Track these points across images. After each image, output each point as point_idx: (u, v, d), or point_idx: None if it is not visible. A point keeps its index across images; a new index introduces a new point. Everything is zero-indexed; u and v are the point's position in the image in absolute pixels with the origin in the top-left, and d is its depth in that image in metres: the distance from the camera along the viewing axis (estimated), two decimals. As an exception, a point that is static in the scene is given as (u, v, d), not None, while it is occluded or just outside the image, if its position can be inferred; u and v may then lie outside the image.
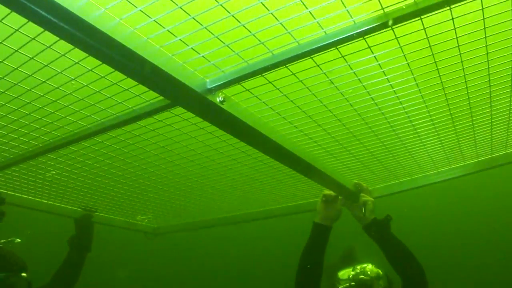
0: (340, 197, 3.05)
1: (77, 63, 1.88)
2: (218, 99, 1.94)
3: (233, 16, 1.64)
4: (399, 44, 1.85)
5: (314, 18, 1.66)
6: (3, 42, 1.80)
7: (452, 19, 1.73)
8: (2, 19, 1.65)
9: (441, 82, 2.16)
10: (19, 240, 3.10)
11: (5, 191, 3.37)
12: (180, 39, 1.72)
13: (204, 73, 1.89)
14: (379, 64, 1.95)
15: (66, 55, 1.82)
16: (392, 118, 2.42)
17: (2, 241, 3.23)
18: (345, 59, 1.89)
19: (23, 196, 3.47)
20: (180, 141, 2.60)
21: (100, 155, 2.76)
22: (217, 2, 1.58)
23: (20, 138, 2.54)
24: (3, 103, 2.22)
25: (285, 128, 2.36)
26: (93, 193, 3.46)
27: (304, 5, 1.62)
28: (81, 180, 3.18)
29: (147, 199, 3.70)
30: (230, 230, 4.58)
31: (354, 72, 1.99)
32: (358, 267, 3.21)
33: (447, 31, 1.81)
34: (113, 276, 6.35)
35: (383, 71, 2.01)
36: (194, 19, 1.64)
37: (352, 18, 1.65)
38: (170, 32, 1.68)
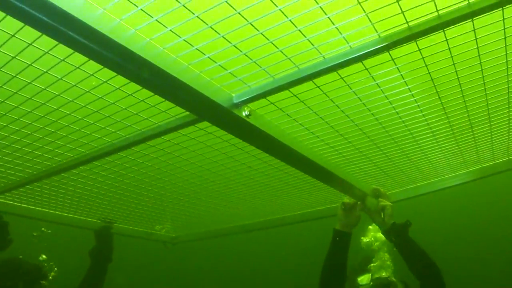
0: (358, 203, 3.08)
1: (105, 82, 1.92)
2: (244, 113, 1.98)
3: (262, 34, 1.68)
4: (421, 55, 1.89)
5: (340, 33, 1.69)
6: (32, 64, 1.84)
7: (474, 30, 1.77)
8: (33, 41, 1.69)
9: (461, 90, 2.20)
10: (49, 231, 3.17)
11: (26, 205, 3.42)
12: (208, 57, 1.75)
13: (231, 88, 1.93)
14: (401, 74, 1.99)
15: (94, 74, 1.87)
16: (412, 125, 2.45)
17: (34, 234, 3.30)
18: (368, 72, 1.92)
19: (44, 210, 3.51)
20: (203, 153, 2.64)
21: (123, 169, 2.80)
22: (247, 20, 1.61)
23: (44, 155, 2.59)
24: (30, 122, 2.26)
25: (307, 138, 2.41)
26: (114, 205, 3.50)
27: (332, 21, 1.65)
28: (102, 194, 3.22)
29: (166, 209, 3.74)
30: (249, 237, 4.60)
31: (377, 84, 2.03)
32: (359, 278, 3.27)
33: (468, 41, 1.85)
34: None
35: (404, 81, 2.05)
36: (224, 38, 1.68)
37: (377, 32, 1.69)
38: (199, 50, 1.72)
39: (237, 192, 3.39)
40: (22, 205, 3.41)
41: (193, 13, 1.56)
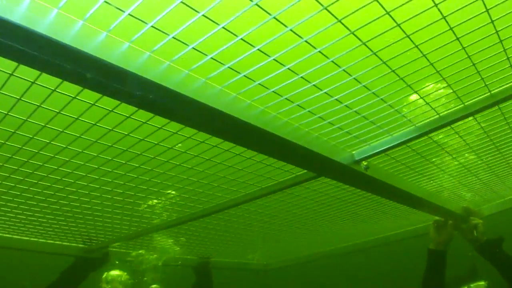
0: (450, 221, 3.20)
1: (238, 154, 2.15)
2: (363, 167, 2.18)
3: (390, 105, 1.88)
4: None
5: (457, 95, 1.88)
6: (171, 149, 2.07)
7: None
8: (147, 118, 1.91)
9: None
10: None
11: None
12: (339, 127, 1.96)
13: (351, 147, 2.14)
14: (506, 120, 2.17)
15: (230, 150, 2.10)
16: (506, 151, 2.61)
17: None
18: (479, 124, 2.12)
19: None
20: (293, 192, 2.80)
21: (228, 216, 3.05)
22: (369, 90, 1.79)
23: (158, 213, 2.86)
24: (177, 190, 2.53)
25: (412, 177, 2.60)
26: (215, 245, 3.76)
27: (446, 81, 1.82)
28: (209, 236, 3.48)
29: (256, 239, 3.94)
30: (339, 261, 4.77)
31: (484, 130, 2.21)
32: (472, 285, 3.37)
33: None
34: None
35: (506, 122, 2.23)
36: (357, 112, 1.88)
37: (489, 91, 1.87)
38: (331, 124, 1.93)
39: (325, 222, 3.59)
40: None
41: (332, 97, 1.77)
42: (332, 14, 1.37)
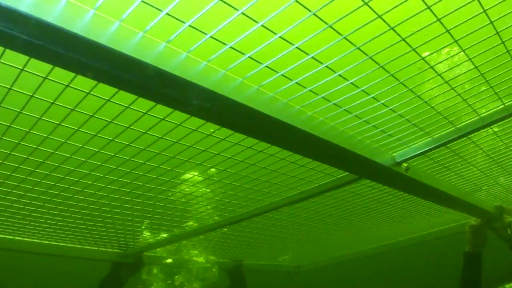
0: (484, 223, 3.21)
1: (283, 159, 2.20)
2: (404, 168, 2.22)
3: (433, 108, 1.92)
4: None
5: (498, 96, 1.91)
6: (218, 155, 2.14)
7: None
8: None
9: None
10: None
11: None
12: (382, 130, 2.01)
13: (392, 149, 2.18)
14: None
15: (275, 154, 2.16)
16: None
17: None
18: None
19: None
20: (333, 194, 2.83)
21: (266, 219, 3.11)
22: (414, 93, 1.83)
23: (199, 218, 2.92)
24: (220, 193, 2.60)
25: (448, 176, 2.64)
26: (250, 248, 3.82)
27: (488, 84, 1.85)
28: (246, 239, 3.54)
29: (288, 241, 3.99)
30: (372, 261, 4.80)
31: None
32: (507, 286, 3.38)
33: None
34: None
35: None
36: (401, 115, 1.93)
37: (531, 90, 1.90)
38: (375, 127, 1.97)
39: (360, 223, 3.64)
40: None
41: (379, 102, 1.81)
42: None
